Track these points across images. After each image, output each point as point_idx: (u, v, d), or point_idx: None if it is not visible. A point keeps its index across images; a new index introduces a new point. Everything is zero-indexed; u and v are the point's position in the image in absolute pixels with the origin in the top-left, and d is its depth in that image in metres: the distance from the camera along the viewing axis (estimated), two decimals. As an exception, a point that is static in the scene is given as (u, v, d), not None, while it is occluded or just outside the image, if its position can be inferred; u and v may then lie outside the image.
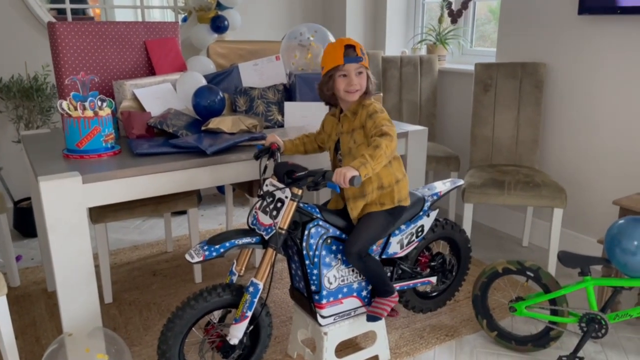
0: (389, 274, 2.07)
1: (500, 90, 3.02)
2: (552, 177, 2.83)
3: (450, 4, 3.76)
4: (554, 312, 2.09)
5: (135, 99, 2.35)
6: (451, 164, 3.30)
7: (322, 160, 2.23)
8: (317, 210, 1.87)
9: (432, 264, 2.22)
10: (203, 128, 2.23)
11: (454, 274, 2.32)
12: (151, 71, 2.57)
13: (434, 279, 2.20)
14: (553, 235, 2.65)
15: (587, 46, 2.77)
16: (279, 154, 1.95)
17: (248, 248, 1.85)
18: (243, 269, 1.88)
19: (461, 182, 2.28)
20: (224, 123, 2.22)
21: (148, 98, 2.38)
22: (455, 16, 3.74)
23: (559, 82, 2.94)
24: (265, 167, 1.94)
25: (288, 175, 1.80)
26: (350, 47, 1.82)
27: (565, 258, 2.01)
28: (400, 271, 2.11)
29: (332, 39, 2.75)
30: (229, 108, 2.52)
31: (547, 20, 2.93)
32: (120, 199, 1.88)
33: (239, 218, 3.63)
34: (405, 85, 3.64)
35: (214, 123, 2.21)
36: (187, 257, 1.73)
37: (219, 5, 3.74)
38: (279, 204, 1.79)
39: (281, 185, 1.80)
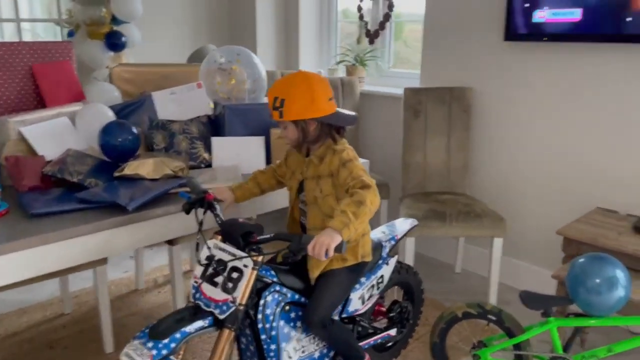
0: (350, 335, 1.83)
1: (430, 115, 2.94)
2: (485, 203, 2.79)
3: (366, 23, 3.65)
4: (518, 357, 1.99)
5: (22, 139, 1.88)
6: (381, 192, 3.11)
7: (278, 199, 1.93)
8: (273, 273, 1.58)
9: (391, 314, 2.02)
10: (117, 174, 1.83)
11: (410, 321, 2.14)
12: (41, 103, 2.09)
13: (393, 332, 2.00)
14: (494, 266, 2.59)
15: (513, 71, 2.77)
16: (218, 207, 1.61)
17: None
18: (182, 353, 1.53)
19: (416, 222, 2.11)
20: (144, 167, 1.84)
21: (39, 137, 1.92)
22: (372, 37, 3.63)
23: (487, 106, 2.91)
24: (201, 224, 1.58)
25: (244, 238, 1.48)
26: (273, 100, 1.57)
27: (528, 299, 1.91)
28: (360, 328, 1.88)
29: (257, 62, 2.47)
30: (143, 145, 2.13)
31: (473, 45, 2.90)
32: (9, 280, 1.43)
33: (150, 261, 3.17)
34: (326, 108, 3.45)
35: (130, 168, 1.83)
36: None
37: (114, 20, 3.27)
38: (234, 274, 1.46)
39: (239, 253, 1.47)
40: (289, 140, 1.63)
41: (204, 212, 1.61)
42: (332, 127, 1.62)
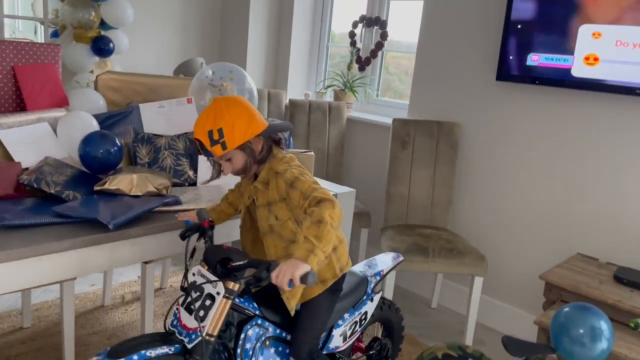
0: (329, 373, 1.76)
1: (418, 147, 2.92)
2: (465, 239, 2.78)
3: (359, 50, 3.65)
4: (496, 402, 1.95)
5: (-2, 143, 1.78)
6: (362, 220, 3.12)
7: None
8: (255, 304, 1.51)
9: (370, 352, 1.96)
10: (97, 188, 1.74)
11: (389, 359, 2.08)
12: (21, 106, 1.99)
13: (372, 370, 1.94)
14: (472, 304, 2.57)
15: (503, 111, 2.79)
16: (211, 233, 1.54)
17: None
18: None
19: (401, 258, 2.07)
20: (126, 182, 1.75)
21: (17, 142, 1.82)
22: (363, 64, 3.63)
23: (473, 143, 2.92)
24: (194, 251, 1.52)
25: (222, 264, 1.42)
26: (198, 142, 1.48)
27: (511, 344, 1.87)
28: (339, 366, 1.81)
29: (250, 81, 2.42)
30: (126, 159, 2.04)
31: (465, 81, 2.92)
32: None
33: (119, 275, 3.04)
34: (313, 131, 3.41)
35: (112, 182, 1.74)
36: None
37: (103, 24, 3.19)
38: (207, 302, 1.39)
39: (213, 277, 1.40)
40: (236, 170, 1.53)
41: (198, 239, 1.55)
42: (272, 141, 1.56)
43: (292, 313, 1.56)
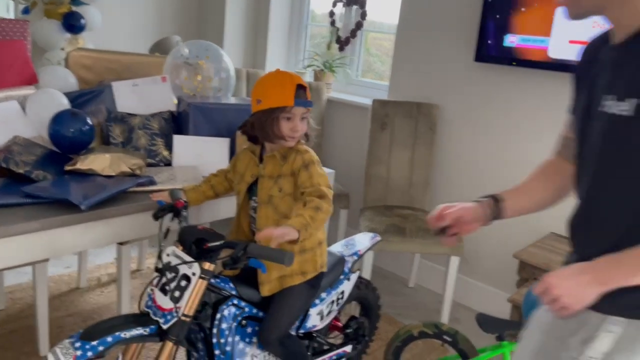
0: (306, 352, 1.77)
1: (397, 129, 2.92)
2: (443, 220, 2.80)
3: (338, 30, 3.61)
4: (470, 378, 1.99)
5: (-36, 122, 1.72)
6: (341, 202, 3.12)
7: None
8: (231, 284, 1.51)
9: (347, 330, 1.98)
10: (68, 168, 1.70)
11: (366, 338, 2.10)
12: (-12, 83, 1.93)
13: (349, 348, 1.96)
14: (449, 284, 2.60)
15: (481, 92, 2.80)
16: (186, 214, 1.52)
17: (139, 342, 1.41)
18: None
19: (378, 238, 2.08)
20: (98, 162, 1.72)
21: (-16, 121, 1.76)
22: (343, 44, 3.60)
23: (452, 125, 2.93)
24: (167, 231, 1.50)
25: (197, 244, 1.40)
26: (302, 89, 1.52)
27: (484, 322, 1.91)
28: (315, 344, 1.82)
29: (227, 60, 2.38)
30: (99, 138, 1.99)
31: (444, 62, 2.91)
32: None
33: (94, 257, 3.00)
34: (292, 112, 3.38)
35: (84, 162, 1.70)
36: (51, 358, 1.25)
37: (74, 0, 3.09)
38: (183, 282, 1.38)
39: (188, 258, 1.39)
40: (300, 134, 1.57)
41: (172, 219, 1.54)
42: None
43: (263, 295, 1.57)
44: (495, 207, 1.28)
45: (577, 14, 1.01)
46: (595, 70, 1.04)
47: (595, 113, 0.99)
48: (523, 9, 2.51)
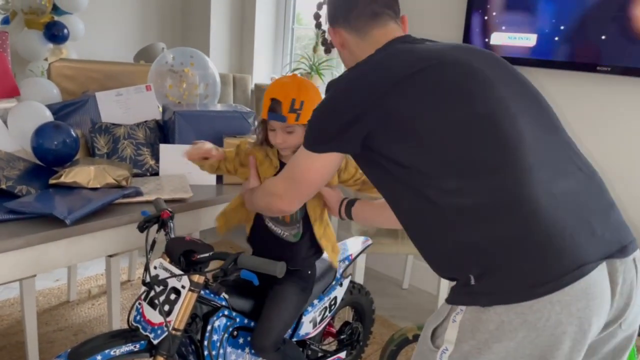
0: (300, 359, 1.75)
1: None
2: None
3: (323, 32, 3.60)
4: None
5: (-56, 137, 1.69)
6: (332, 205, 3.10)
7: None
8: (222, 296, 1.48)
9: (341, 336, 1.96)
10: (52, 181, 1.67)
11: (360, 343, 2.09)
12: (-32, 97, 1.90)
13: (343, 354, 1.94)
14: (442, 284, 2.60)
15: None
16: (172, 224, 1.49)
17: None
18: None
19: (370, 242, 2.07)
20: (83, 175, 1.69)
21: (-36, 136, 1.73)
22: (329, 46, 3.58)
23: (440, 124, 2.92)
24: (154, 243, 1.47)
25: (185, 256, 1.38)
26: (275, 101, 1.47)
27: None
28: (309, 352, 1.80)
29: (211, 66, 2.36)
30: (84, 150, 1.96)
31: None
32: None
33: (84, 269, 2.96)
34: (280, 116, 3.37)
35: (68, 175, 1.67)
36: None
37: (56, 9, 3.05)
38: (172, 296, 1.35)
39: (177, 271, 1.36)
40: (290, 146, 1.51)
41: (157, 231, 1.49)
42: None
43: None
44: (347, 206, 1.53)
45: None
46: None
47: None
48: (508, 7, 2.51)
